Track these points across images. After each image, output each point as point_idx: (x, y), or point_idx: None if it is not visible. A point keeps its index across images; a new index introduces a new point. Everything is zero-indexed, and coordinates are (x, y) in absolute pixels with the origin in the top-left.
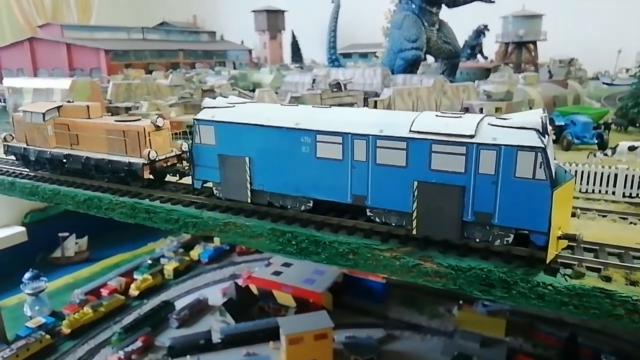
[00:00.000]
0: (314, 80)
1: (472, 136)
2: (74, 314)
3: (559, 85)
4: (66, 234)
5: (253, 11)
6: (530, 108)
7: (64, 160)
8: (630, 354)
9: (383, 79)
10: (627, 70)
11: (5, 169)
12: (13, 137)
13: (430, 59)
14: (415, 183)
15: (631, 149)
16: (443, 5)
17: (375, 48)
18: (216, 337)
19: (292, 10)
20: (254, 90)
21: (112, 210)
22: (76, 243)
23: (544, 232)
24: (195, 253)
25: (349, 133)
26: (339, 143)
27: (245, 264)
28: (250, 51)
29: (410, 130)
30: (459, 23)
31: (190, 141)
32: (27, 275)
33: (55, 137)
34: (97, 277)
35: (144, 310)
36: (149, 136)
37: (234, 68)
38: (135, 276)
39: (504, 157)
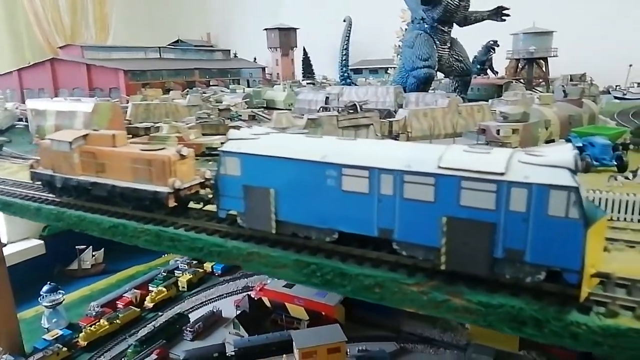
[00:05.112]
0: (327, 98)
1: (502, 174)
2: (90, 326)
3: (574, 105)
4: (83, 246)
5: (265, 29)
6: (547, 128)
7: (90, 188)
8: None
9: (396, 97)
10: (639, 84)
11: (31, 195)
12: (38, 164)
13: (440, 74)
14: (444, 219)
15: None
16: (454, 24)
17: (386, 64)
18: (230, 350)
19: (304, 27)
20: (267, 107)
21: (137, 238)
22: (93, 255)
23: (577, 270)
24: (208, 265)
25: (376, 168)
26: (366, 177)
27: (258, 275)
28: (263, 68)
29: (438, 167)
30: (470, 39)
31: (216, 171)
32: (45, 288)
33: (82, 165)
34: (113, 289)
35: (158, 322)
36: (174, 165)
37: (248, 85)
38: (150, 288)
39: (535, 196)
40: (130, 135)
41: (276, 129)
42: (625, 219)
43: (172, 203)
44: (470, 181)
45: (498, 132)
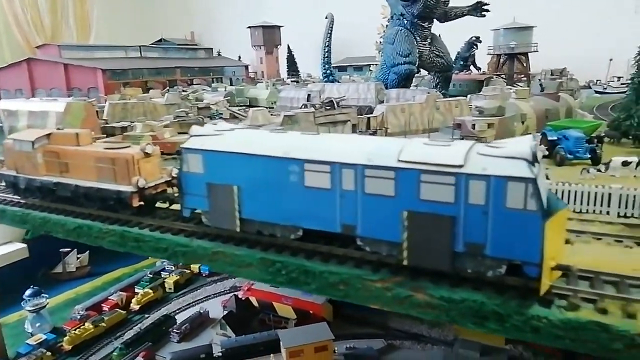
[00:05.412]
0: (308, 95)
1: (460, 166)
2: (75, 329)
3: (551, 99)
4: (67, 249)
5: (249, 27)
6: (523, 122)
7: (54, 188)
8: None
9: (377, 94)
10: (619, 78)
11: None
12: (3, 165)
13: (423, 71)
14: (405, 213)
15: (625, 164)
16: (435, 20)
17: (369, 61)
18: (217, 351)
19: (288, 25)
20: (250, 105)
21: (101, 239)
22: (77, 258)
23: (537, 263)
24: (195, 265)
25: (337, 162)
26: (327, 172)
27: None
28: (246, 67)
29: (398, 160)
30: (452, 35)
31: (178, 169)
32: (28, 292)
33: (45, 165)
34: (99, 291)
35: (145, 324)
36: (138, 164)
37: (231, 84)
38: (136, 290)
39: (493, 188)
40: (105, 135)
41: (252, 126)
42: (594, 211)
43: (136, 202)
44: (429, 174)
45: (473, 126)
